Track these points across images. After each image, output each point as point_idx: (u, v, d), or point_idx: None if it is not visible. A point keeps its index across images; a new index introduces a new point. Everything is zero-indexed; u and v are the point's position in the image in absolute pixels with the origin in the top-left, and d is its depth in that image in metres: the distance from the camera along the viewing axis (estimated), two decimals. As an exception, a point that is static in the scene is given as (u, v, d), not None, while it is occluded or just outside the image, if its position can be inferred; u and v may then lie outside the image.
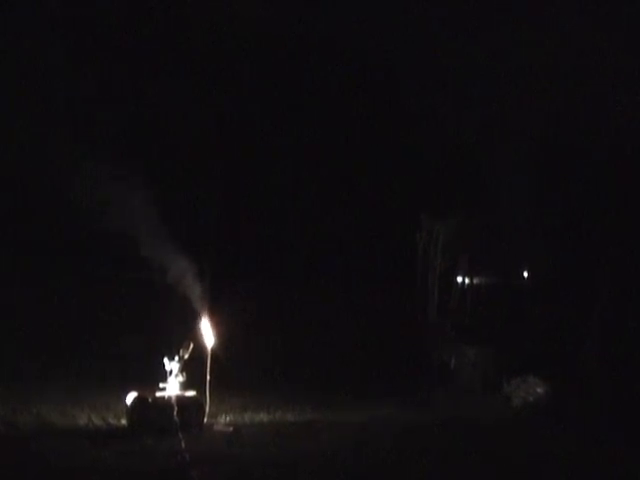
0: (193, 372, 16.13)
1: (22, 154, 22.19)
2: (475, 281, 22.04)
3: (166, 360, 15.94)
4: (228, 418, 16.94)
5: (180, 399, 15.65)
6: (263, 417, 17.32)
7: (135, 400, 15.58)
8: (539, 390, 18.72)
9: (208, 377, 16.08)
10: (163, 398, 15.66)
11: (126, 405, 15.72)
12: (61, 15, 23.07)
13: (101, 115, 22.30)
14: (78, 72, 22.67)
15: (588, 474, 14.03)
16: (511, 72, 23.02)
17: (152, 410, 15.48)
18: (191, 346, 16.02)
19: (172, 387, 15.84)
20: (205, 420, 15.98)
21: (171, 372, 15.90)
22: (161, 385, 15.86)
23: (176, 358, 15.91)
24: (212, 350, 16.34)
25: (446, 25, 23.92)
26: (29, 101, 21.19)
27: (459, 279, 22.08)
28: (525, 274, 22.13)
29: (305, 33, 24.92)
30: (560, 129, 22.84)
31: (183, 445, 14.22)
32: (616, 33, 22.01)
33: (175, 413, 15.36)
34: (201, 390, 16.04)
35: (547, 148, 22.78)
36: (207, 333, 16.41)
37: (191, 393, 15.94)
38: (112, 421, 16.25)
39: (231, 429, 16.08)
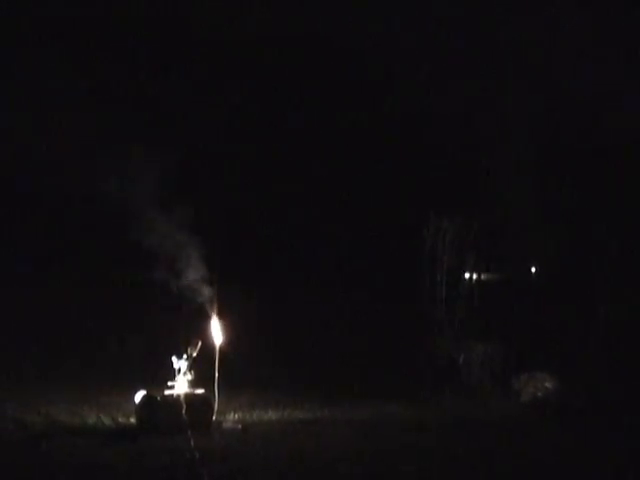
0: (202, 370, 16.12)
1: (24, 153, 22.21)
2: (483, 277, 22.06)
3: (174, 358, 15.91)
4: (237, 416, 16.92)
5: (189, 397, 15.61)
6: (272, 415, 17.30)
7: (144, 399, 15.56)
8: (548, 385, 18.71)
9: (217, 375, 16.07)
10: (172, 396, 15.61)
11: (135, 404, 15.71)
12: (61, 16, 23.08)
13: (100, 115, 22.26)
14: (75, 74, 22.66)
15: (597, 469, 13.98)
16: (513, 72, 23.06)
17: (161, 408, 15.44)
18: (199, 344, 16.01)
19: (181, 385, 15.79)
20: (214, 418, 15.94)
21: (180, 370, 15.86)
22: (170, 383, 15.82)
23: (184, 356, 15.88)
24: (220, 348, 16.34)
25: (447, 25, 23.95)
26: (35, 100, 21.21)
27: (467, 275, 22.10)
28: (532, 270, 22.16)
29: (305, 34, 24.94)
30: (563, 126, 22.88)
31: (192, 443, 14.16)
32: (616, 32, 22.04)
33: (184, 411, 15.31)
34: (210, 388, 16.02)
35: (552, 145, 22.82)
36: (215, 331, 16.41)
37: (200, 391, 15.90)
38: (121, 420, 16.24)
39: (240, 427, 16.07)
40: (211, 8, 25.01)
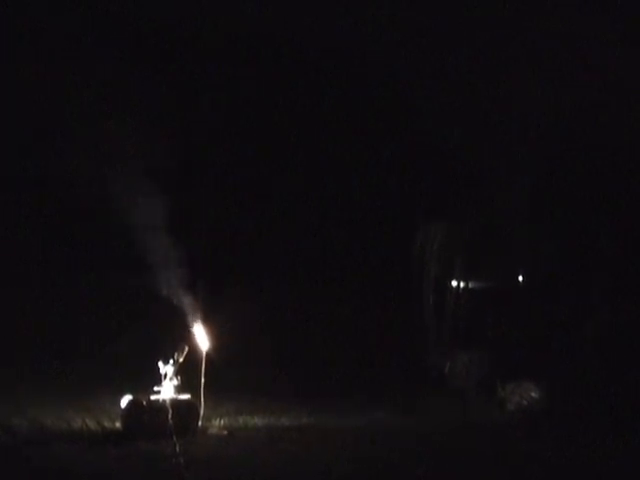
0: (188, 375, 16.13)
1: (26, 152, 22.31)
2: (470, 285, 22.08)
3: (161, 363, 15.92)
4: (223, 422, 16.95)
5: (175, 402, 15.61)
6: (258, 421, 17.33)
7: (130, 403, 15.57)
8: (534, 394, 18.72)
9: (203, 380, 16.08)
10: (158, 401, 15.62)
11: (121, 408, 15.72)
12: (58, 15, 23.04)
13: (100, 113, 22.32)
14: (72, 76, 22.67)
15: (586, 474, 14.02)
16: (511, 71, 23.01)
17: (147, 413, 15.44)
18: (186, 349, 16.03)
19: (167, 390, 15.80)
20: (200, 424, 15.96)
21: (166, 375, 15.87)
22: (156, 388, 15.83)
23: (171, 361, 15.90)
24: (207, 353, 16.36)
25: (445, 24, 23.89)
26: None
27: (454, 283, 22.13)
28: (520, 278, 22.16)
29: (302, 33, 24.90)
30: (554, 133, 22.87)
31: (178, 449, 14.19)
32: (616, 32, 22.03)
33: (170, 417, 15.33)
34: (196, 393, 16.04)
35: (544, 150, 22.80)
36: (202, 336, 16.42)
37: (186, 396, 15.91)
38: (107, 425, 16.26)
39: (226, 433, 16.12)
40: (209, 6, 24.96)
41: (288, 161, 25.90)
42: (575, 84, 22.45)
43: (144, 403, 15.58)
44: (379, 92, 25.96)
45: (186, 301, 16.64)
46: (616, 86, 22.32)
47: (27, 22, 23.10)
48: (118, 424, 15.97)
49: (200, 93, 25.75)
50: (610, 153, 22.86)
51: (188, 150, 25.35)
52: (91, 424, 16.28)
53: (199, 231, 24.16)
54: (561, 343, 20.93)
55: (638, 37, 22.44)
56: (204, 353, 16.34)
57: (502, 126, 23.26)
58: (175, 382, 15.88)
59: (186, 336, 16.38)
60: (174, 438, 14.70)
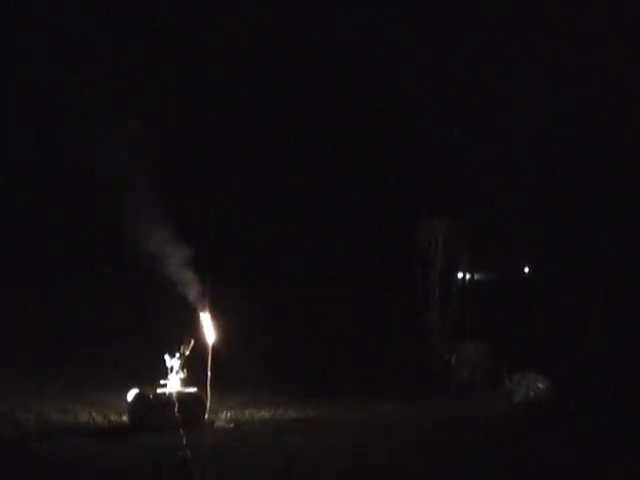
0: (194, 369, 16.10)
1: (26, 152, 22.25)
2: (475, 277, 22.11)
3: (167, 357, 15.91)
4: (229, 414, 16.91)
5: (181, 396, 15.59)
6: (264, 414, 17.31)
7: (136, 397, 15.54)
8: (540, 386, 18.73)
9: (209, 374, 16.05)
10: (164, 395, 15.60)
11: (127, 402, 15.68)
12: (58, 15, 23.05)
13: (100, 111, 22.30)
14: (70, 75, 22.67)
15: (589, 471, 13.98)
16: (511, 71, 23.09)
17: (153, 407, 15.42)
18: (192, 343, 16.00)
19: (173, 384, 15.79)
20: (206, 417, 15.94)
21: (172, 369, 15.86)
22: (162, 382, 15.81)
23: (177, 355, 15.89)
24: (213, 347, 16.33)
25: (445, 25, 23.97)
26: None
27: (459, 275, 22.15)
28: (526, 270, 22.21)
29: (302, 33, 24.95)
30: (560, 126, 22.93)
31: (184, 442, 14.10)
32: (616, 32, 22.11)
33: (176, 410, 15.28)
34: (202, 387, 16.01)
35: (548, 145, 22.87)
36: (208, 330, 16.39)
37: (192, 390, 15.90)
38: (113, 418, 16.20)
39: (232, 425, 16.07)
40: (209, 6, 25.01)
41: (288, 161, 25.89)
42: (575, 84, 22.52)
43: (150, 396, 15.54)
44: (379, 92, 26.00)
45: (192, 295, 16.61)
46: (616, 86, 22.40)
47: (28, 22, 23.10)
48: (125, 417, 15.92)
49: (200, 93, 25.72)
50: (610, 153, 22.92)
51: (188, 150, 25.34)
52: (98, 418, 16.21)
53: (200, 231, 24.08)
54: (562, 342, 20.98)
55: (638, 37, 22.54)
56: (210, 346, 16.29)
57: (502, 126, 23.31)
58: (181, 375, 15.85)
59: (192, 329, 16.35)
60: (181, 431, 14.62)
